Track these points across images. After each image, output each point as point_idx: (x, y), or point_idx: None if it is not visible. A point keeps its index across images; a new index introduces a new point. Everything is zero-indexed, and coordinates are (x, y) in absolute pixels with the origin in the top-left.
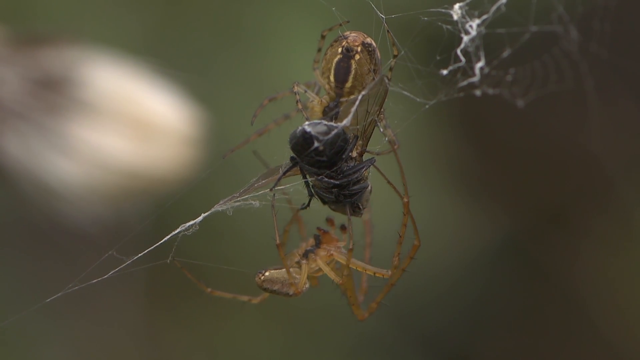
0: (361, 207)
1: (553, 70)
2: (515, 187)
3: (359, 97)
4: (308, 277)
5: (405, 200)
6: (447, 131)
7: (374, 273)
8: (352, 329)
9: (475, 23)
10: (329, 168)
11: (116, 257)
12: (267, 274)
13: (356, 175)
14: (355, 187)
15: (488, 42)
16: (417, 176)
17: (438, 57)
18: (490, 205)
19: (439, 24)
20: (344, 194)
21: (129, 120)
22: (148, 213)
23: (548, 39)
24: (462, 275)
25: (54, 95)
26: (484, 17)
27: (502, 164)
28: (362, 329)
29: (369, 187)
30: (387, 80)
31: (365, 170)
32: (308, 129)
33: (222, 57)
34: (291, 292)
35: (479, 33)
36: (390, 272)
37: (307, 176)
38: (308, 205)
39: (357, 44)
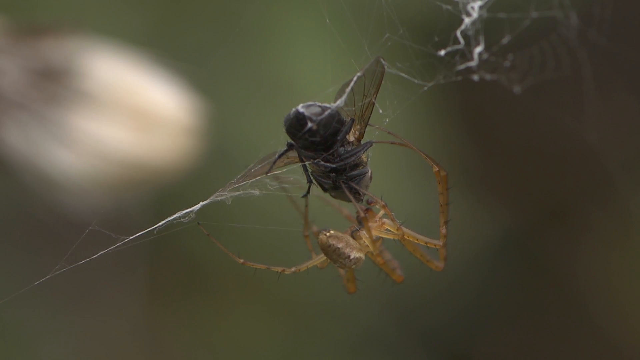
0: (361, 193)
1: (551, 57)
2: (516, 183)
3: (354, 78)
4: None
5: (435, 169)
6: (448, 126)
7: (426, 243)
8: (352, 325)
9: (477, 4)
10: (325, 151)
11: (118, 245)
12: (332, 231)
13: (353, 159)
14: (353, 172)
15: (487, 26)
16: (416, 172)
17: (436, 39)
18: (490, 202)
19: (438, 3)
20: (342, 179)
21: (129, 111)
22: (147, 202)
23: (548, 24)
24: (463, 271)
25: (54, 85)
26: None
27: (503, 159)
28: (363, 325)
29: (369, 173)
30: (383, 61)
31: (363, 153)
32: (301, 109)
33: (222, 49)
34: (352, 256)
35: (480, 16)
36: (441, 242)
37: (305, 162)
38: (308, 192)
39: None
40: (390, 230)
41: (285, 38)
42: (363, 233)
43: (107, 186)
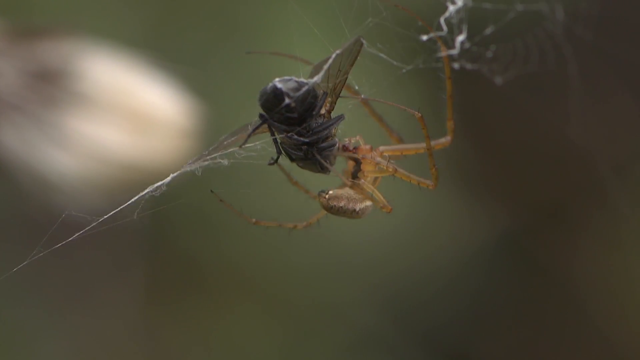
0: (329, 164)
1: (536, 50)
2: (513, 183)
3: (333, 56)
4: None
5: (419, 115)
6: (445, 127)
7: (418, 183)
8: (350, 325)
9: None
10: (299, 125)
11: (92, 225)
12: (330, 192)
13: (325, 133)
14: (324, 145)
15: (471, 16)
16: (414, 172)
17: (420, 23)
18: (488, 202)
19: None
20: (313, 151)
21: (126, 113)
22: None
23: (533, 18)
24: (460, 271)
25: (50, 87)
26: None
27: (500, 159)
28: (361, 325)
29: (337, 145)
30: (362, 40)
31: (335, 127)
32: (279, 85)
33: (219, 51)
34: (358, 208)
35: (465, 4)
36: (433, 183)
37: (276, 134)
38: (276, 161)
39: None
40: (383, 169)
41: (284, 37)
42: (362, 182)
43: (103, 187)
